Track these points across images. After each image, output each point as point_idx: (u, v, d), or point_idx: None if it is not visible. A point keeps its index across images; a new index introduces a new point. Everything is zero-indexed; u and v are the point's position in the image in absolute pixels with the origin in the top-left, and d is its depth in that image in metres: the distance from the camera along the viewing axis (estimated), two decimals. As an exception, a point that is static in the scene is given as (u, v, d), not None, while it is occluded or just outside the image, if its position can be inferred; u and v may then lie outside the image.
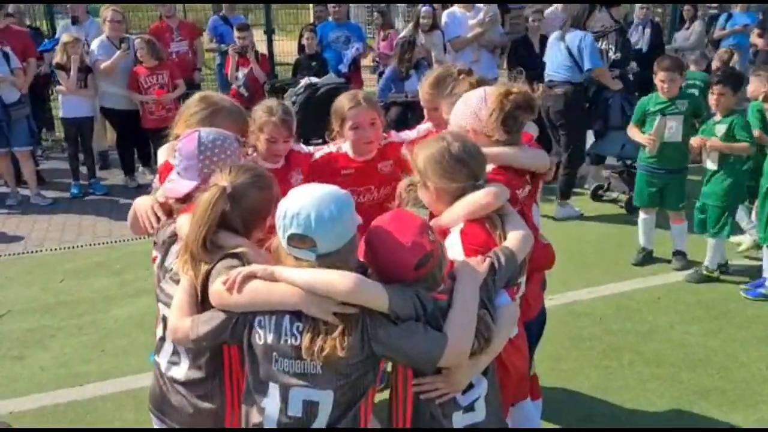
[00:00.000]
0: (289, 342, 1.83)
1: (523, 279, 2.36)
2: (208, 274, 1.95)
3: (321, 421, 1.85)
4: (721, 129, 4.89)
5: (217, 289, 1.88)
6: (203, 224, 1.97)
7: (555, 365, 3.95)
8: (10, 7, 9.38)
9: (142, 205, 2.47)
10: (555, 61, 6.48)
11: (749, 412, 3.56)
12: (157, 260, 2.33)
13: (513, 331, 2.20)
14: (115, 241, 6.14)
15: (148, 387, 3.68)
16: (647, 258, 5.45)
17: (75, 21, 8.20)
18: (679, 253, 5.36)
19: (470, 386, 2.01)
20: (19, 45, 7.22)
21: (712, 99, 4.97)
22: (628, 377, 3.89)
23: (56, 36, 8.22)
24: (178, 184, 2.29)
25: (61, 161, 8.40)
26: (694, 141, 5.03)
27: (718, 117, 4.98)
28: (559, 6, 8.19)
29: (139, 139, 7.73)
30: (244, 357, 1.93)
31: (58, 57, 7.17)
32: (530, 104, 2.44)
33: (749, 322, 4.48)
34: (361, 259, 1.93)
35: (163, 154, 2.85)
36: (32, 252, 5.97)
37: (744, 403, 3.63)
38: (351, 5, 14.44)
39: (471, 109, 2.50)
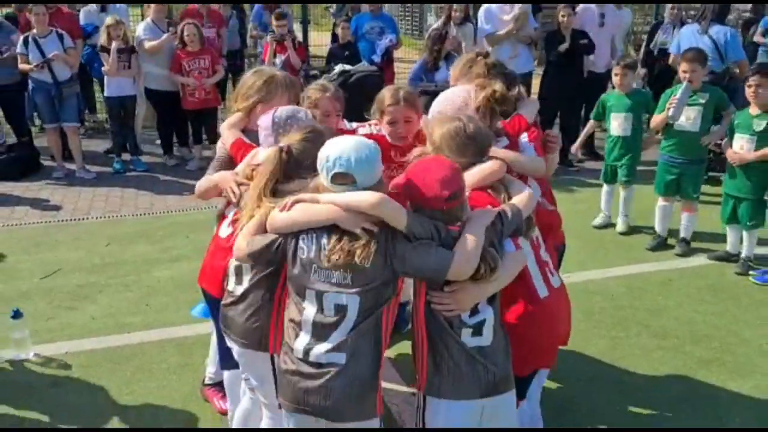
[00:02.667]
0: (326, 254, 2.21)
1: (537, 233, 2.64)
2: None
3: (350, 320, 2.23)
4: (760, 124, 4.98)
5: (271, 215, 2.30)
6: (264, 176, 2.42)
7: None
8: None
9: (224, 178, 2.82)
10: None
11: (745, 380, 3.81)
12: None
13: (512, 274, 2.41)
14: (157, 212, 6.52)
15: (190, 336, 4.13)
16: (662, 244, 5.68)
17: (104, 9, 8.57)
18: (683, 240, 5.59)
19: (476, 310, 2.33)
20: (67, 26, 7.59)
21: (749, 91, 5.07)
22: (634, 347, 4.15)
23: (82, 22, 8.52)
24: (259, 154, 2.72)
25: (101, 141, 8.86)
26: (730, 155, 5.11)
27: (754, 110, 5.06)
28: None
29: (178, 119, 8.13)
30: (289, 271, 2.31)
31: (102, 39, 7.54)
32: (507, 100, 2.85)
33: (756, 305, 4.70)
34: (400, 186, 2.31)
35: (229, 132, 3.05)
36: (79, 219, 6.37)
37: (741, 373, 3.88)
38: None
39: (457, 104, 2.81)
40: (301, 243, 2.26)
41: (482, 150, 2.53)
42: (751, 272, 5.12)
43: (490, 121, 2.82)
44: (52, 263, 5.31)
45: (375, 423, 2.36)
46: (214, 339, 3.41)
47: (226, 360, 2.96)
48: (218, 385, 3.48)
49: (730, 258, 5.37)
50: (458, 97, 2.85)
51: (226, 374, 3.12)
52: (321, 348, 2.24)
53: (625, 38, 9.61)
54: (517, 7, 8.07)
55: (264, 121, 2.78)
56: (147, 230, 6.08)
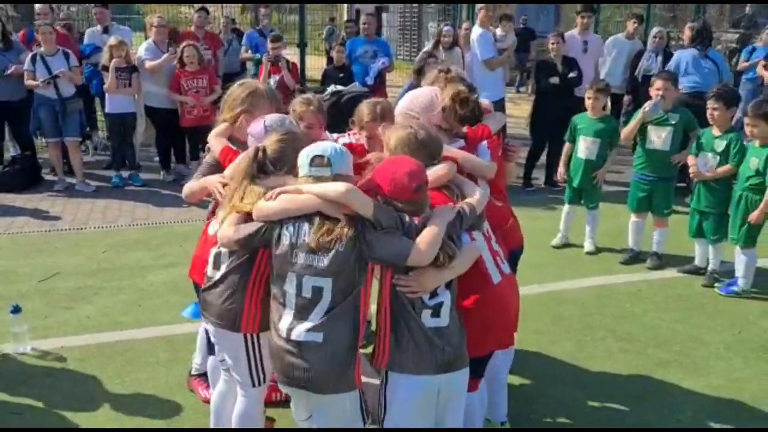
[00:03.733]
0: (305, 240, 2.51)
1: (486, 227, 2.91)
2: None
3: (325, 302, 2.51)
4: (720, 145, 5.28)
5: (258, 205, 2.58)
6: (240, 173, 2.73)
7: (536, 337, 4.46)
8: (62, 14, 10.30)
9: (210, 180, 3.10)
10: (703, 74, 7.68)
11: (700, 379, 4.05)
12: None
13: (468, 263, 2.68)
14: (153, 223, 6.79)
15: (180, 335, 4.36)
16: (634, 258, 5.94)
17: (106, 30, 8.90)
18: (655, 254, 5.86)
19: (435, 293, 2.60)
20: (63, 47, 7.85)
21: (708, 114, 5.38)
22: (599, 349, 4.40)
23: (85, 42, 8.93)
24: None
25: (100, 157, 9.22)
26: (693, 168, 5.39)
27: (716, 131, 5.35)
28: (575, 30, 8.85)
29: (176, 136, 8.43)
30: (272, 256, 2.59)
31: (104, 58, 7.88)
32: (468, 101, 3.14)
33: (718, 314, 4.95)
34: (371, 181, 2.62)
35: (216, 141, 3.28)
36: (77, 229, 6.63)
37: (697, 373, 4.12)
38: (383, 26, 15.18)
39: (423, 103, 3.08)
40: (284, 230, 2.54)
41: (433, 154, 2.79)
42: (716, 284, 5.37)
43: (453, 121, 3.10)
44: (50, 267, 5.56)
45: (355, 395, 2.65)
46: (201, 332, 3.66)
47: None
48: (203, 376, 3.71)
49: (699, 271, 5.63)
50: (426, 95, 3.12)
51: (210, 360, 3.36)
52: (301, 328, 2.52)
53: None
54: (509, 36, 8.64)
55: (255, 129, 3.04)
56: (143, 239, 6.34)
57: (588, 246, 6.20)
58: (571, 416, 3.70)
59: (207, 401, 3.61)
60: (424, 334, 2.58)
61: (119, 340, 4.38)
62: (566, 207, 6.36)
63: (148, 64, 7.98)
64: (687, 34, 8.34)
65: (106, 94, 7.96)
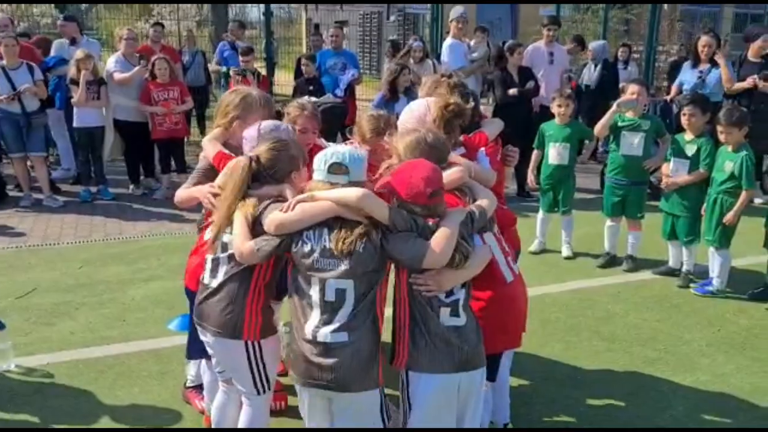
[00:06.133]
0: (326, 245, 2.53)
1: (496, 229, 2.96)
2: (257, 216, 2.66)
3: (349, 304, 2.54)
4: (691, 149, 5.47)
5: (276, 218, 2.56)
6: (236, 183, 2.73)
7: (525, 339, 4.44)
8: (20, 29, 10.08)
9: (201, 190, 3.09)
10: None
11: (686, 375, 4.18)
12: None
13: (481, 265, 2.74)
14: (127, 237, 6.68)
15: (169, 347, 4.30)
16: (611, 261, 6.09)
17: (73, 42, 8.72)
18: (630, 257, 6.02)
19: (451, 292, 2.64)
20: (26, 59, 7.68)
21: (683, 119, 5.54)
22: (585, 349, 4.49)
23: (52, 54, 8.72)
24: None
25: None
26: (664, 171, 5.59)
27: (688, 136, 5.54)
28: (541, 42, 9.06)
29: (145, 150, 8.33)
30: (294, 262, 2.61)
31: (72, 72, 7.73)
32: (463, 113, 3.12)
33: (695, 313, 5.11)
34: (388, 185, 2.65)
35: (210, 145, 3.27)
36: (50, 245, 6.47)
37: (683, 369, 4.24)
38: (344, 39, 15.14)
39: (417, 115, 3.13)
40: (304, 237, 2.56)
41: (442, 157, 2.83)
42: (691, 285, 5.54)
43: (448, 131, 3.10)
44: (26, 284, 5.42)
45: (376, 393, 2.66)
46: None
47: (194, 350, 3.27)
48: (198, 387, 3.67)
49: (673, 272, 5.79)
50: (418, 109, 3.17)
51: (206, 374, 3.35)
52: (326, 329, 2.54)
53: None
54: (480, 47, 8.85)
55: (249, 133, 3.06)
56: (119, 253, 6.22)
57: (565, 251, 6.33)
58: (568, 415, 3.77)
59: (203, 412, 3.57)
60: (442, 334, 2.61)
61: (107, 355, 4.29)
62: (541, 213, 6.48)
63: (118, 76, 7.87)
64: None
65: (75, 108, 7.80)
